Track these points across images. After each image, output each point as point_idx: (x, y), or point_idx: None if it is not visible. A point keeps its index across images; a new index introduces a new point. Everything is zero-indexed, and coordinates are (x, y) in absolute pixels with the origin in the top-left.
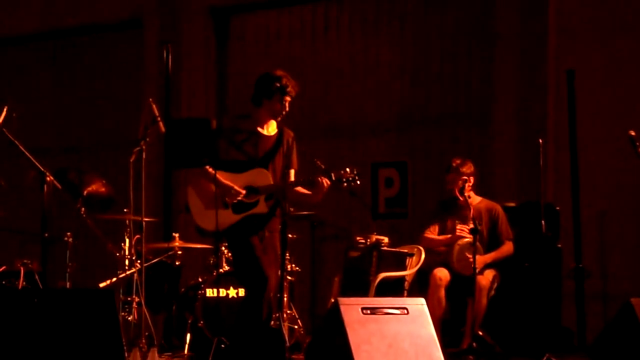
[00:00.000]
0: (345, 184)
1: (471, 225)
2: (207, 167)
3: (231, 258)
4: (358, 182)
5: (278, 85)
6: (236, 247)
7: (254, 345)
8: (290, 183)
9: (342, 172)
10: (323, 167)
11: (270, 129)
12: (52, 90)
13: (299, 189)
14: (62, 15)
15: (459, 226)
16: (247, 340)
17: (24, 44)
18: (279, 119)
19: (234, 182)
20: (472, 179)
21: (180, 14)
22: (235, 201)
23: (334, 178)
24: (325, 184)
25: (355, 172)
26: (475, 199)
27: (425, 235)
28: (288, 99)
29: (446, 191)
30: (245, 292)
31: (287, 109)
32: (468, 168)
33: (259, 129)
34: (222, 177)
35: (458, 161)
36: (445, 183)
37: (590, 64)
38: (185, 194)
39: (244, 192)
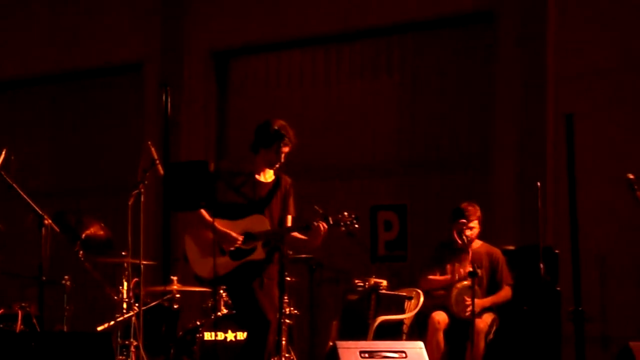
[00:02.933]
0: (343, 228)
1: (469, 269)
2: (205, 212)
3: (229, 301)
4: (357, 226)
5: (276, 135)
6: (236, 294)
7: None
8: (286, 228)
9: (340, 215)
10: (321, 211)
11: (267, 176)
12: (51, 133)
13: (296, 234)
14: (62, 58)
15: (457, 266)
16: None
17: (24, 87)
18: (275, 168)
19: (231, 229)
20: (478, 223)
21: (181, 57)
22: (232, 248)
23: (332, 222)
24: (322, 228)
25: (353, 216)
26: (475, 243)
27: (425, 276)
28: (285, 149)
29: (447, 237)
30: (247, 336)
31: (283, 159)
32: (475, 214)
33: (256, 175)
34: (220, 224)
35: (465, 207)
36: (450, 229)
37: (589, 107)
38: (183, 242)
39: (241, 238)
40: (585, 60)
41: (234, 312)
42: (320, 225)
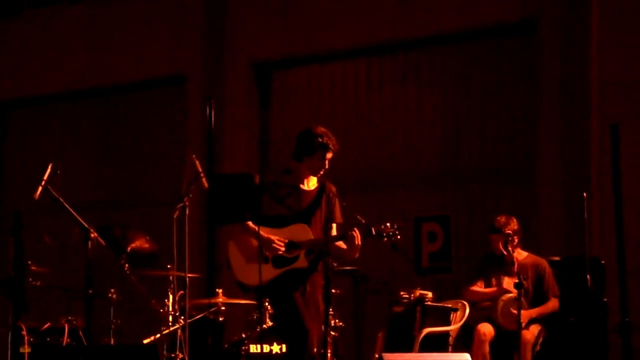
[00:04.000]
0: (385, 239)
1: (516, 280)
2: (249, 222)
3: (273, 314)
4: (399, 237)
5: (319, 142)
6: (277, 302)
7: None
8: (327, 237)
9: (383, 226)
10: (364, 221)
11: (311, 184)
12: (97, 147)
13: (338, 244)
14: (107, 72)
15: (504, 278)
16: None
17: (69, 101)
18: (319, 175)
19: (274, 237)
20: (516, 238)
21: (223, 70)
22: (275, 254)
23: (374, 232)
24: (356, 237)
25: (395, 227)
26: (521, 255)
27: (471, 288)
28: (329, 155)
29: (491, 250)
30: (287, 348)
31: (327, 165)
32: (512, 226)
33: (300, 184)
34: (263, 232)
35: (502, 220)
36: (489, 242)
37: (634, 116)
38: (226, 249)
39: (284, 244)
40: (630, 68)
41: (275, 323)
42: (355, 233)
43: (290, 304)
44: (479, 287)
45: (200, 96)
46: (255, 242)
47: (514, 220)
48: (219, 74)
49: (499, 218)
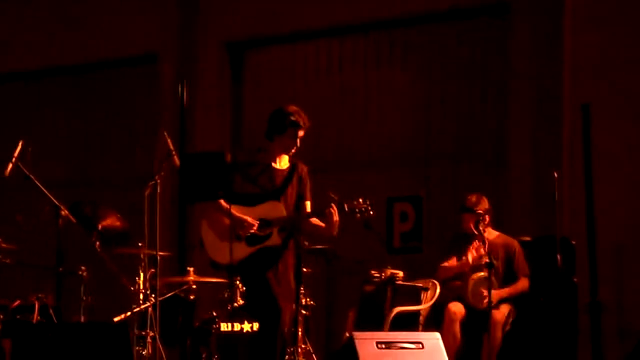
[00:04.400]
0: (358, 215)
1: (486, 260)
2: (221, 200)
3: (245, 292)
4: (372, 213)
5: (290, 120)
6: (250, 281)
7: None
8: (302, 215)
9: (355, 202)
10: (336, 198)
11: (283, 162)
12: (67, 125)
13: (314, 221)
14: (77, 50)
15: (470, 248)
16: None
17: (39, 79)
18: (291, 153)
19: (247, 215)
20: (487, 217)
21: (195, 49)
22: (248, 234)
23: (347, 209)
24: (334, 213)
25: (368, 203)
26: (492, 234)
27: (442, 265)
28: (300, 134)
29: (462, 229)
30: (259, 326)
31: (299, 144)
32: (483, 206)
33: (272, 163)
34: (236, 211)
35: (473, 199)
36: (460, 221)
37: (606, 96)
38: (199, 227)
39: (257, 223)
40: (602, 49)
41: (247, 301)
42: (332, 209)
43: (263, 282)
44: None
45: (173, 75)
46: (228, 221)
47: (485, 199)
48: (192, 52)
49: (470, 197)
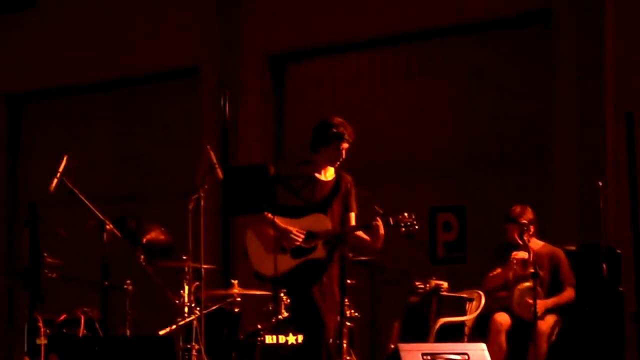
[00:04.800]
0: (403, 229)
1: (531, 270)
2: (265, 212)
3: (290, 304)
4: (416, 227)
5: (335, 132)
6: (294, 293)
7: None
8: (348, 228)
9: (400, 216)
10: (381, 211)
11: (328, 174)
12: (111, 139)
13: (359, 234)
14: (121, 65)
15: (514, 253)
16: None
17: (83, 93)
18: (336, 165)
19: (292, 227)
20: (532, 227)
21: (237, 62)
22: (293, 245)
23: (392, 223)
24: (380, 227)
25: (413, 217)
26: (536, 244)
27: (488, 275)
28: (345, 145)
29: (506, 239)
30: (303, 339)
31: (344, 155)
32: (527, 216)
33: (317, 174)
34: (281, 222)
35: (517, 210)
36: (504, 231)
37: None
38: (244, 238)
39: (303, 235)
40: None
41: (292, 314)
42: (378, 223)
43: (307, 296)
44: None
45: (215, 88)
46: (272, 232)
47: (529, 209)
48: (233, 65)
49: (514, 208)
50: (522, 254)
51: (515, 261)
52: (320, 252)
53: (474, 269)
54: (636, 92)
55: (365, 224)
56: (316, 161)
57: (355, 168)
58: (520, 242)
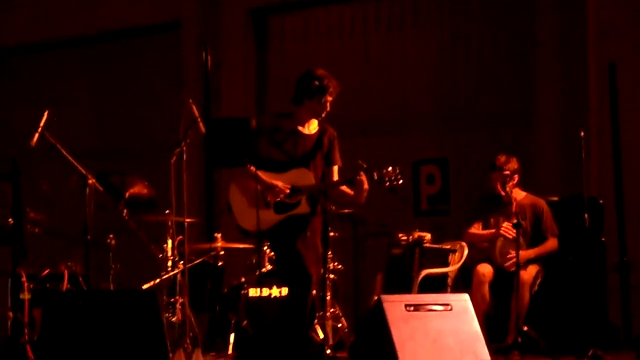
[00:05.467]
0: (387, 183)
1: (514, 221)
2: (249, 165)
3: (273, 257)
4: (401, 181)
5: (319, 84)
6: (279, 248)
7: (296, 343)
8: (331, 183)
9: (385, 171)
10: (365, 165)
11: (311, 127)
12: (92, 94)
13: (343, 188)
14: (100, 19)
15: (504, 224)
16: (290, 339)
17: (63, 48)
18: (320, 118)
19: (277, 182)
20: (516, 176)
21: (218, 15)
22: (277, 200)
23: (376, 177)
24: (364, 182)
25: (397, 171)
26: (519, 195)
27: (469, 230)
28: (329, 98)
29: (489, 189)
30: (288, 291)
31: (328, 108)
32: (512, 165)
33: (300, 127)
34: (264, 176)
35: (502, 159)
36: (488, 181)
37: (632, 55)
38: (227, 192)
39: (288, 188)
40: (627, 6)
41: (276, 267)
42: (362, 177)
43: (291, 249)
44: (477, 230)
45: (196, 41)
46: (255, 187)
47: (514, 159)
48: (215, 19)
49: (499, 157)
50: (509, 226)
51: (502, 230)
52: (304, 207)
53: (458, 221)
54: (619, 42)
55: (348, 178)
56: (299, 114)
57: (339, 121)
58: (502, 192)
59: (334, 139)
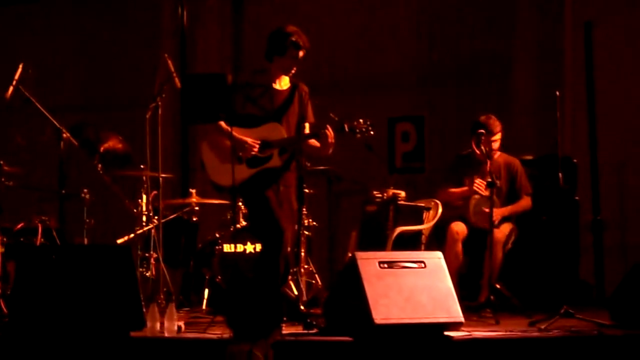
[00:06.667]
0: (359, 134)
1: (488, 179)
2: (222, 122)
3: (247, 214)
4: (372, 132)
5: (290, 40)
6: (251, 202)
7: (271, 298)
8: (301, 136)
9: (356, 122)
10: (336, 118)
11: (283, 83)
12: (67, 48)
13: (312, 142)
14: None
15: (477, 180)
16: (266, 295)
17: (38, 2)
18: (291, 74)
19: (247, 137)
20: (500, 136)
21: None
22: (249, 155)
23: (347, 129)
24: (329, 135)
25: (368, 123)
26: (494, 154)
27: (443, 188)
28: (300, 54)
29: (472, 147)
30: (261, 247)
31: (299, 64)
32: (495, 126)
33: (273, 84)
34: (237, 132)
35: (483, 117)
36: (470, 139)
37: (608, 14)
38: (200, 149)
39: (258, 144)
40: None
41: (249, 223)
42: (328, 132)
43: (264, 203)
44: (451, 188)
45: None
46: (228, 143)
47: (497, 120)
48: None
49: (483, 118)
50: (481, 181)
51: (475, 187)
52: (276, 161)
53: (433, 179)
54: (595, 2)
55: (314, 132)
56: (271, 70)
57: (313, 79)
58: (477, 151)
59: (306, 94)
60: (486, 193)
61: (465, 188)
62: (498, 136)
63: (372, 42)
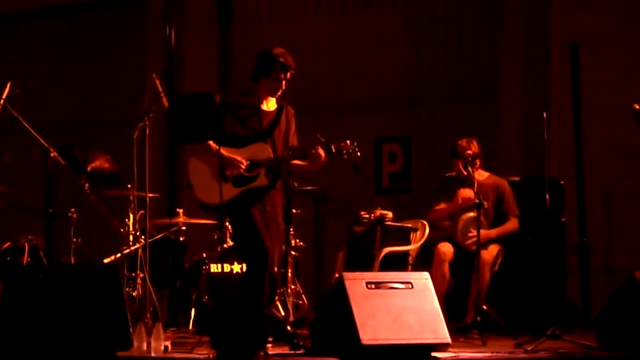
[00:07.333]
0: (346, 156)
1: (476, 200)
2: (210, 142)
3: (233, 233)
4: (359, 154)
5: (277, 62)
6: (237, 221)
7: (255, 319)
8: (285, 156)
9: (342, 144)
10: (323, 139)
11: (270, 104)
12: (55, 67)
13: (297, 161)
14: None
15: (464, 194)
16: (251, 315)
17: (27, 21)
18: (277, 96)
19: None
20: (477, 161)
21: None
22: (235, 174)
23: (334, 150)
24: (321, 155)
25: (355, 144)
26: (482, 175)
27: (434, 208)
28: (287, 75)
29: (452, 173)
30: (246, 267)
31: (284, 86)
32: (473, 149)
33: (260, 105)
34: (224, 151)
35: (463, 144)
36: (451, 166)
37: (595, 36)
38: (187, 168)
39: (245, 163)
40: None
41: (235, 242)
42: (319, 152)
43: (249, 222)
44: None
45: (160, 15)
46: (215, 161)
47: (475, 142)
48: None
49: (460, 142)
50: (469, 192)
51: (461, 200)
52: (262, 180)
53: (420, 199)
54: (582, 23)
55: (302, 152)
56: (258, 91)
57: (300, 99)
58: (465, 172)
59: (292, 117)
60: (475, 202)
61: (454, 203)
62: (477, 160)
63: (359, 63)
